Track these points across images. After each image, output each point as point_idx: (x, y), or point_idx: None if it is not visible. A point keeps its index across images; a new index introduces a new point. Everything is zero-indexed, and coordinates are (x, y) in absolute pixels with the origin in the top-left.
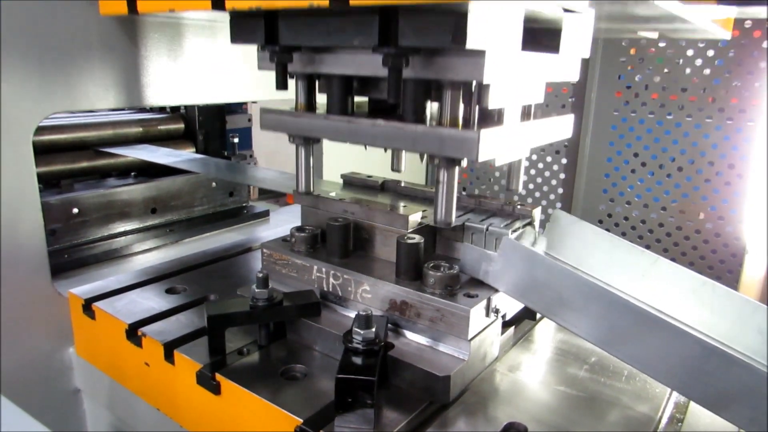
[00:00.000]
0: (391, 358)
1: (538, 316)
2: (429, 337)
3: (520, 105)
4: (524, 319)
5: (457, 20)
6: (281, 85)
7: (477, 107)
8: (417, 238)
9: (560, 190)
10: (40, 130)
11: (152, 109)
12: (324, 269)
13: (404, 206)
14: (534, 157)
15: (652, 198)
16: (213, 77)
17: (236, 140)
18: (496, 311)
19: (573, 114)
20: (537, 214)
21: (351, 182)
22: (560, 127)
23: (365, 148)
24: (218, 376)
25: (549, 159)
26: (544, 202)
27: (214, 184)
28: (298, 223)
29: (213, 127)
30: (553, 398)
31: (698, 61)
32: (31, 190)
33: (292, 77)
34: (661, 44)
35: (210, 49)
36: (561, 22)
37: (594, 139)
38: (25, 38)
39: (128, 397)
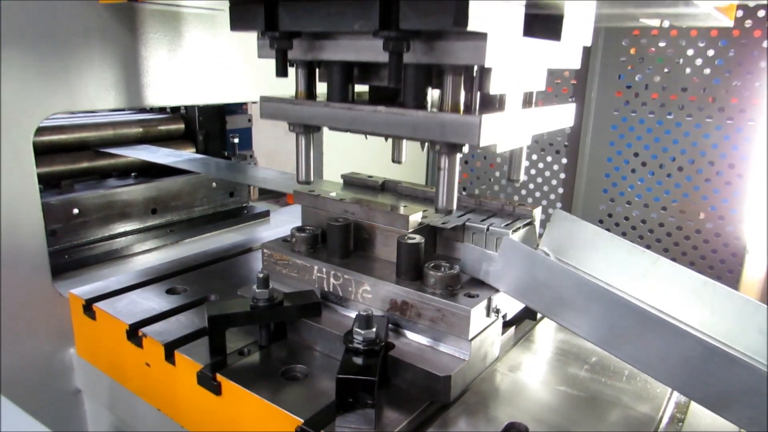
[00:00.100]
0: (392, 358)
1: (539, 316)
2: (429, 337)
3: (521, 91)
4: (525, 319)
5: (459, 2)
6: (281, 72)
7: (478, 93)
8: (417, 238)
9: (560, 190)
10: (40, 130)
11: (152, 110)
12: (324, 269)
13: (405, 206)
14: (534, 156)
15: (653, 198)
16: (213, 77)
17: (236, 140)
18: (497, 311)
19: (575, 103)
20: (537, 214)
21: (351, 182)
22: (562, 116)
23: (366, 137)
24: (219, 377)
25: (549, 159)
26: (544, 202)
27: (214, 184)
28: (299, 224)
29: (213, 128)
30: (554, 398)
31: (698, 61)
32: (32, 190)
33: (292, 65)
34: (662, 44)
35: (210, 49)
36: (563, 8)
37: (594, 139)
38: (25, 38)
39: (129, 398)
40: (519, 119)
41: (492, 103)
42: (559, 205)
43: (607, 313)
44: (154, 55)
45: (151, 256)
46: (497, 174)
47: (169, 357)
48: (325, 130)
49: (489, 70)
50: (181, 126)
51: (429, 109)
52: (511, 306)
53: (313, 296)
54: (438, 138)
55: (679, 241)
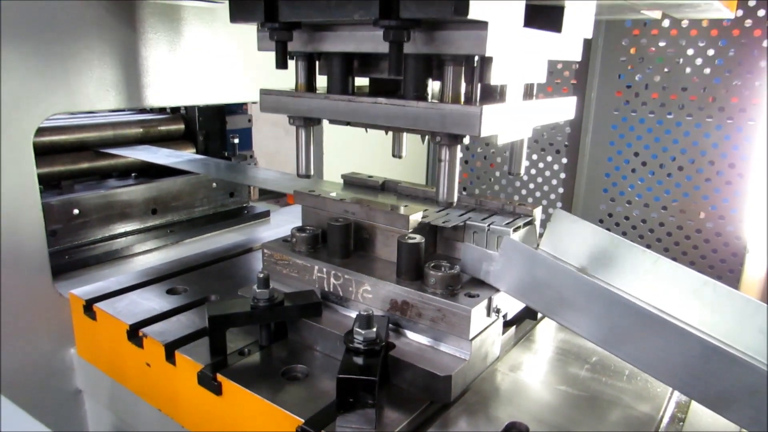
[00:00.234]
0: (392, 358)
1: (539, 315)
2: (430, 337)
3: (522, 83)
4: (525, 318)
5: None
6: (281, 64)
7: (479, 84)
8: (418, 238)
9: (561, 190)
10: (40, 131)
11: (152, 110)
12: (325, 269)
13: (405, 206)
14: (534, 156)
15: (653, 197)
16: (213, 77)
17: (236, 141)
18: (497, 311)
19: (575, 96)
20: (538, 213)
21: (351, 182)
22: (562, 108)
23: (366, 131)
24: (219, 377)
25: (549, 158)
26: (544, 202)
27: (214, 184)
28: (299, 224)
29: (213, 128)
30: (555, 398)
31: (698, 60)
32: (32, 191)
33: (291, 58)
34: (662, 43)
35: (210, 49)
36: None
37: (594, 139)
38: (25, 38)
39: (129, 398)
40: (520, 111)
41: (492, 94)
42: (559, 204)
43: (607, 313)
44: (154, 54)
45: (152, 257)
46: (497, 174)
47: (170, 357)
48: (326, 127)
49: (490, 60)
50: (181, 126)
51: (429, 100)
52: (511, 306)
53: (313, 296)
54: (439, 129)
55: (679, 241)
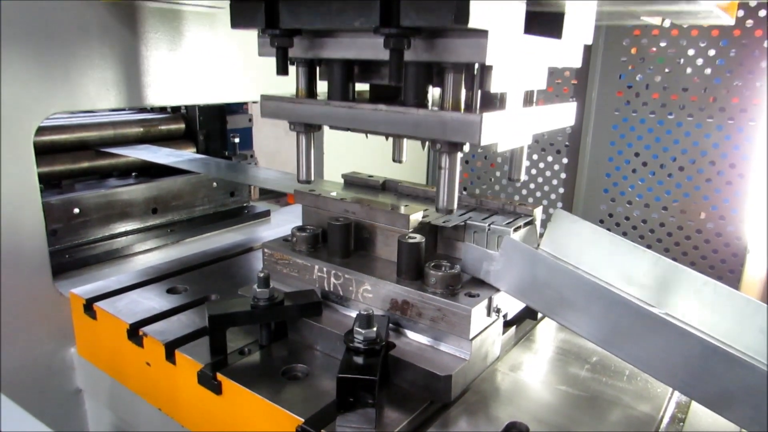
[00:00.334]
0: (393, 357)
1: (540, 315)
2: (430, 337)
3: (522, 90)
4: (525, 318)
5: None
6: (282, 70)
7: (479, 91)
8: (418, 238)
9: (561, 190)
10: (40, 130)
11: (153, 109)
12: (325, 269)
13: (405, 206)
14: (535, 156)
15: (653, 197)
16: (214, 77)
17: (237, 140)
18: (498, 311)
19: (575, 102)
20: (538, 213)
21: (352, 182)
22: (563, 115)
23: (366, 136)
24: (219, 376)
25: (550, 158)
26: (545, 202)
27: (215, 184)
28: (299, 223)
29: (214, 127)
30: (555, 398)
31: (699, 61)
32: (32, 190)
33: (292, 64)
34: (663, 44)
35: (210, 48)
36: (564, 6)
37: (595, 139)
38: (26, 37)
39: (129, 397)
40: (520, 118)
41: (493, 102)
42: (559, 204)
43: (607, 313)
44: (154, 54)
45: (152, 256)
46: (498, 174)
47: (170, 356)
48: (326, 129)
49: (490, 68)
50: (182, 126)
51: (430, 107)
52: (511, 305)
53: (313, 296)
54: (439, 136)
55: (680, 241)
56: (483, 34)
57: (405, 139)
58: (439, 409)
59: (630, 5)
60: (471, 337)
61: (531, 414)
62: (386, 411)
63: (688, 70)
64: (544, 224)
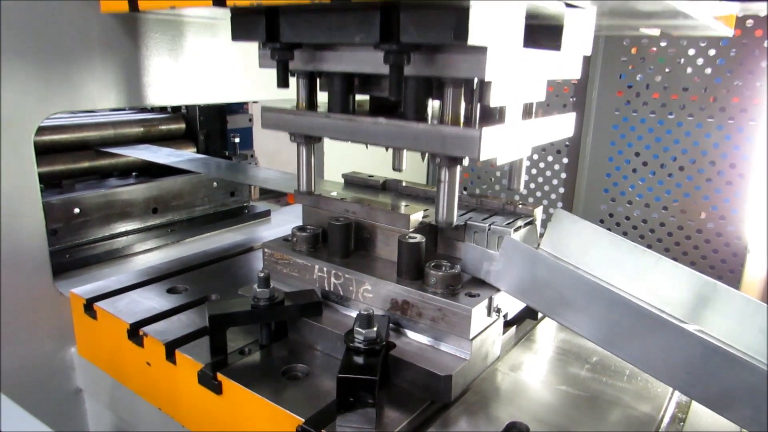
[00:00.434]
0: (393, 357)
1: (540, 315)
2: (430, 337)
3: (521, 103)
4: (526, 318)
5: (459, 16)
6: (282, 82)
7: (479, 105)
8: (418, 238)
9: (561, 190)
10: (41, 130)
11: (153, 109)
12: (325, 269)
13: (405, 206)
14: (535, 156)
15: (654, 197)
16: (214, 77)
17: (237, 140)
18: (498, 311)
19: (574, 112)
20: (538, 213)
21: (352, 182)
22: (562, 126)
23: (366, 147)
24: (220, 376)
25: (550, 158)
26: (545, 202)
27: (215, 184)
28: (300, 223)
29: (214, 127)
30: (555, 398)
31: (699, 61)
32: (33, 190)
33: (293, 75)
34: (663, 43)
35: (211, 49)
36: (563, 18)
37: (595, 139)
38: (26, 38)
39: (130, 397)
40: (519, 131)
41: (492, 115)
42: (560, 204)
43: (608, 313)
44: (155, 54)
45: (152, 256)
46: (498, 174)
47: (170, 356)
48: None
49: (489, 82)
50: (182, 126)
51: (430, 120)
52: (512, 305)
53: (313, 295)
54: (438, 150)
55: (680, 241)
56: (482, 49)
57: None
58: (439, 409)
59: (628, 20)
60: (471, 337)
61: (531, 414)
62: (386, 411)
63: (689, 70)
64: (544, 224)
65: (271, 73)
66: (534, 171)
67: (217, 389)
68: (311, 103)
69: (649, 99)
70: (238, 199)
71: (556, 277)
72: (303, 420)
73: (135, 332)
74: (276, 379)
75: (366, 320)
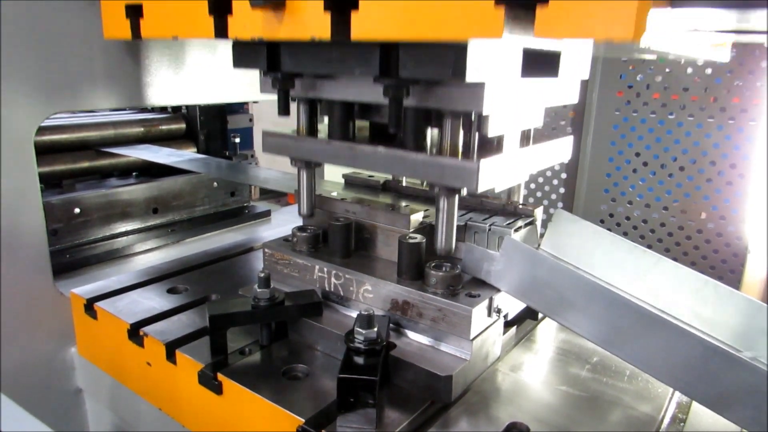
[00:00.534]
0: (393, 357)
1: (540, 315)
2: (431, 337)
3: (519, 131)
4: (526, 318)
5: (457, 54)
6: (283, 111)
7: (477, 134)
8: (419, 238)
9: (561, 190)
10: (41, 130)
11: (153, 109)
12: (326, 269)
13: (406, 206)
14: None
15: (654, 197)
16: (214, 77)
17: (237, 140)
18: (498, 311)
19: (572, 136)
20: (539, 213)
21: (353, 182)
22: (559, 151)
23: None
24: (220, 376)
25: None
26: (545, 202)
27: (215, 184)
28: (300, 223)
29: (214, 127)
30: (555, 398)
31: (700, 61)
32: (33, 190)
33: (294, 101)
34: None
35: (211, 48)
36: (559, 46)
37: (595, 139)
38: (26, 38)
39: (130, 397)
40: (517, 159)
41: (490, 144)
42: (560, 204)
43: (608, 313)
44: (155, 54)
45: (152, 256)
46: None
47: (170, 356)
48: None
49: (487, 115)
50: (183, 126)
51: (428, 149)
52: (512, 306)
53: (314, 296)
54: (437, 181)
55: (680, 241)
56: (480, 84)
57: None
58: (439, 409)
59: (624, 49)
60: (472, 337)
61: (531, 414)
62: (387, 411)
63: (689, 70)
64: (544, 224)
65: None
66: (534, 171)
67: (218, 389)
68: (312, 129)
69: (649, 99)
70: (239, 199)
71: (557, 277)
72: (303, 420)
73: (135, 332)
74: (276, 380)
75: (366, 320)
